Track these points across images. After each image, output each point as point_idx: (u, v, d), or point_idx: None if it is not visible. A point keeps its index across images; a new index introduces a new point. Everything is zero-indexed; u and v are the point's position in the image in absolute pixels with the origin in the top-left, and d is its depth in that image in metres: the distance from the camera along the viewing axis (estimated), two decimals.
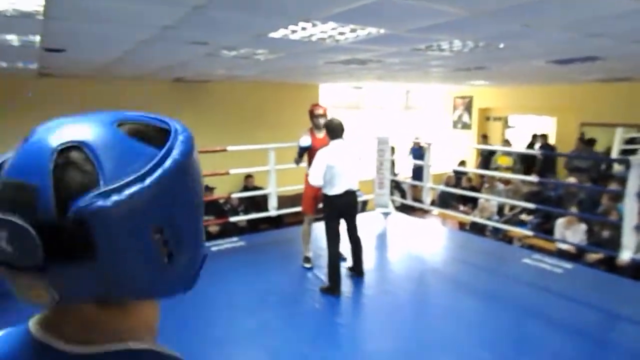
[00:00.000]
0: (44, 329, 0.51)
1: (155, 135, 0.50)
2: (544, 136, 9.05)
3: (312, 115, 4.43)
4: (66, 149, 0.45)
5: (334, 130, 3.89)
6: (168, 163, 0.48)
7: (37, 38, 3.10)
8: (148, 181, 0.46)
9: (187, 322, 3.14)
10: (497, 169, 9.18)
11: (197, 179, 0.53)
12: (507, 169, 9.08)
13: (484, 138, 10.06)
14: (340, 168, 3.81)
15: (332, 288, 3.81)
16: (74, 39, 3.24)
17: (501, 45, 3.60)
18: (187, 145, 0.51)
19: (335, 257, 3.84)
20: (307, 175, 4.48)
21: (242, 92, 7.99)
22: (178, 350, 0.57)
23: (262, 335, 3.20)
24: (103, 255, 0.44)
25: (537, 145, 9.12)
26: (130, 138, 0.49)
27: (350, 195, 3.91)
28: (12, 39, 3.11)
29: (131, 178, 0.45)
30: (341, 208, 3.88)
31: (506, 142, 10.07)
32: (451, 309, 3.66)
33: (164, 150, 0.49)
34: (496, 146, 9.21)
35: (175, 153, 0.49)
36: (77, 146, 0.46)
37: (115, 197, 0.44)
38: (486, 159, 9.80)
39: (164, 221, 0.48)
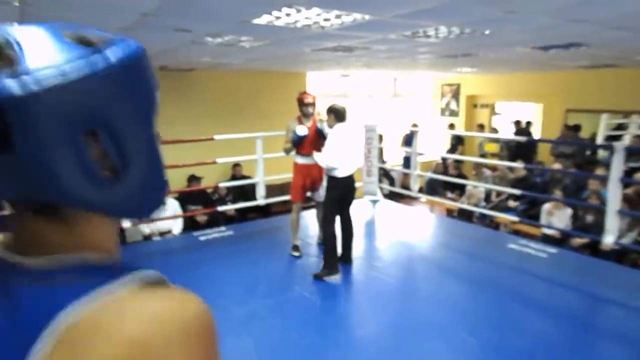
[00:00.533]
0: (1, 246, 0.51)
1: (98, 43, 0.47)
2: (518, 122, 9.39)
3: (301, 104, 4.39)
4: None
5: (339, 114, 3.98)
6: (99, 61, 0.46)
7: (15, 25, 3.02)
8: (72, 76, 0.44)
9: None
10: (483, 155, 9.29)
11: (142, 91, 0.50)
12: (494, 156, 9.20)
13: (481, 127, 9.98)
14: (347, 151, 3.94)
15: (330, 268, 3.87)
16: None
17: (487, 32, 3.60)
18: (129, 50, 0.48)
19: (332, 238, 3.92)
20: (295, 163, 4.46)
21: (229, 80, 7.90)
22: None
23: (251, 324, 3.20)
24: (21, 146, 0.43)
25: (513, 131, 9.32)
26: (66, 39, 0.46)
27: (352, 179, 4.06)
28: None
29: (52, 71, 0.43)
30: (344, 191, 4.01)
31: (493, 130, 10.16)
32: (438, 295, 3.70)
33: (94, 50, 0.46)
34: (475, 133, 9.30)
35: (110, 54, 0.47)
36: (7, 39, 0.45)
37: (31, 86, 0.42)
38: (454, 147, 10.04)
39: (97, 124, 0.46)
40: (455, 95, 10.90)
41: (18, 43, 0.44)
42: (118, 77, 0.47)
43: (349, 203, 4.11)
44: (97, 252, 0.50)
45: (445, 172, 8.03)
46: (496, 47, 4.58)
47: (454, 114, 10.98)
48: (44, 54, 0.44)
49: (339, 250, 4.13)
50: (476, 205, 6.91)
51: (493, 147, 9.53)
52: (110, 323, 0.43)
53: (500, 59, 6.00)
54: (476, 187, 7.15)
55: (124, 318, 0.43)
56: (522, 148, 8.73)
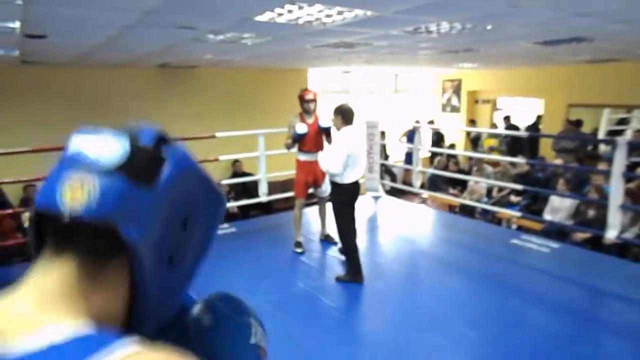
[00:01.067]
0: None
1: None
2: (508, 118, 9.66)
3: (303, 100, 4.39)
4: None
5: (347, 116, 3.73)
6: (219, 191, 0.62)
7: (17, 24, 3.03)
8: (191, 171, 0.58)
9: None
10: (487, 150, 9.31)
11: (218, 222, 0.66)
12: (492, 150, 9.24)
13: (472, 122, 10.14)
14: (356, 155, 3.72)
15: (354, 274, 3.75)
16: (54, 24, 3.17)
17: (489, 27, 3.59)
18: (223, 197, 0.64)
19: (351, 243, 3.75)
20: (298, 160, 4.47)
21: (230, 77, 7.90)
22: None
23: None
24: (155, 188, 0.52)
25: (503, 127, 9.55)
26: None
27: (357, 185, 3.81)
28: None
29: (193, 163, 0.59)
30: (351, 197, 3.77)
31: (493, 125, 10.20)
32: (441, 290, 3.71)
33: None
34: (482, 128, 9.38)
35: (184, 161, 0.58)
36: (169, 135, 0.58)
37: (183, 162, 0.56)
38: (474, 142, 10.00)
39: (190, 214, 0.57)
40: (457, 91, 10.88)
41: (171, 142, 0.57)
42: (217, 199, 0.63)
43: (354, 208, 3.90)
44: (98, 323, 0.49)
45: (446, 168, 8.04)
46: (498, 42, 4.58)
47: (455, 109, 10.97)
48: (184, 151, 0.58)
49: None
50: (478, 200, 6.91)
51: (492, 142, 9.61)
52: None
53: (502, 54, 5.99)
54: (478, 183, 7.15)
55: None
56: (518, 143, 8.83)
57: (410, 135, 9.16)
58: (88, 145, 0.52)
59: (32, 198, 5.47)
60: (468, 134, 10.23)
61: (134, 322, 0.54)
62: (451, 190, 7.89)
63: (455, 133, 10.49)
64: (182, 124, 7.05)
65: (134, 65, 6.69)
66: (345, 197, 3.75)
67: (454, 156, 8.76)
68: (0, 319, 0.45)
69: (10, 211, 5.06)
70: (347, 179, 3.71)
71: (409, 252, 4.63)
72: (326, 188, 4.62)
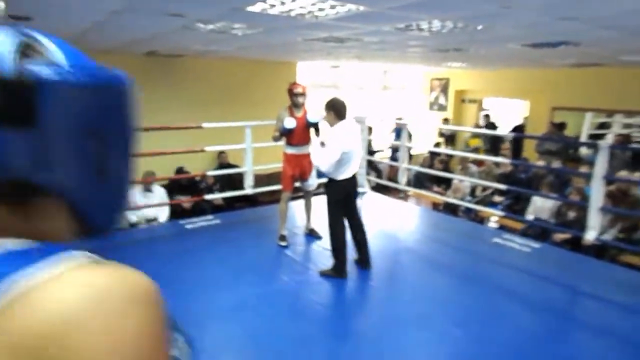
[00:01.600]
0: None
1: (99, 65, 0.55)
2: (487, 116, 10.10)
3: (292, 94, 4.36)
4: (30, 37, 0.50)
5: (340, 110, 3.60)
6: (112, 78, 0.53)
7: (2, 4, 2.94)
8: (90, 80, 0.50)
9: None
10: (472, 150, 9.42)
11: (130, 114, 0.57)
12: (475, 150, 9.39)
13: (446, 121, 10.39)
14: (352, 151, 3.64)
15: (338, 270, 3.73)
16: (39, 6, 3.09)
17: (479, 27, 3.62)
18: (123, 76, 0.55)
19: (339, 240, 3.71)
20: (285, 153, 4.45)
21: (219, 68, 7.82)
22: None
23: (239, 313, 3.21)
24: (40, 126, 0.46)
25: (482, 124, 9.96)
26: (75, 49, 0.53)
27: (354, 179, 3.78)
28: None
29: (76, 70, 0.49)
30: (347, 192, 3.72)
31: (476, 125, 10.31)
32: (424, 287, 3.75)
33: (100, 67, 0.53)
34: (465, 127, 9.57)
35: (117, 74, 0.54)
36: (34, 36, 0.50)
37: (64, 76, 0.47)
38: (449, 140, 10.39)
39: (97, 129, 0.51)
40: (444, 90, 10.97)
41: (41, 42, 0.50)
42: (117, 94, 0.54)
43: (354, 205, 3.88)
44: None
45: (431, 166, 8.10)
46: (488, 42, 4.62)
47: (442, 108, 11.06)
48: (64, 56, 0.50)
49: (356, 255, 3.96)
50: (462, 199, 6.99)
51: (476, 142, 9.76)
52: (45, 290, 0.40)
53: (491, 55, 6.05)
54: (462, 182, 7.23)
55: (59, 286, 0.41)
56: (498, 141, 9.51)
57: (397, 132, 9.22)
58: None
59: None
60: (442, 133, 10.44)
61: (90, 234, 0.56)
62: (435, 188, 7.97)
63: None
64: (169, 113, 6.98)
65: (121, 52, 6.57)
66: (338, 193, 3.70)
67: (439, 154, 8.83)
68: None
69: None
70: (341, 175, 3.65)
71: (394, 249, 4.66)
72: (312, 182, 4.62)
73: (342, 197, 3.72)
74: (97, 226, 0.56)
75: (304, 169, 4.44)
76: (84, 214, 0.54)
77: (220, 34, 4.31)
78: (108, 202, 0.57)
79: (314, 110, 4.41)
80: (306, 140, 4.42)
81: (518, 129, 9.79)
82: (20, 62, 0.46)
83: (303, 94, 4.36)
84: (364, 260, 3.95)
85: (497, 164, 7.33)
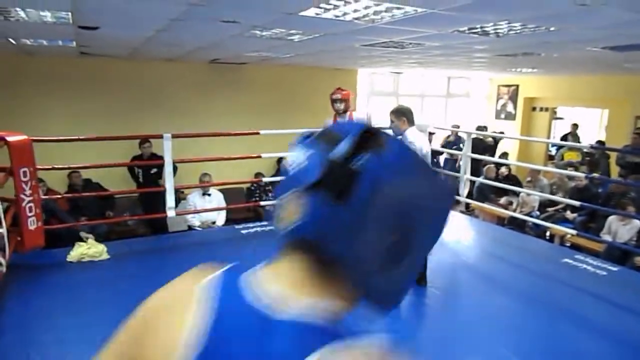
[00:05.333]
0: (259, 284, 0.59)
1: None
2: (575, 125, 8.94)
3: (330, 100, 4.26)
4: (371, 131, 0.56)
5: (410, 116, 3.60)
6: (437, 182, 0.60)
7: (69, 15, 3.10)
8: (406, 181, 0.55)
9: None
10: (567, 165, 8.22)
11: (442, 222, 0.64)
12: (570, 166, 8.19)
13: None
14: (428, 154, 3.68)
15: (418, 278, 3.64)
16: (104, 16, 3.22)
17: (552, 28, 3.32)
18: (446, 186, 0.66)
19: None
20: None
21: (279, 75, 7.89)
22: None
23: None
24: (351, 204, 0.52)
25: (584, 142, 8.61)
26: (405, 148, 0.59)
27: None
28: (46, 15, 3.12)
29: (401, 168, 0.55)
30: None
31: (574, 137, 9.17)
32: (482, 307, 3.48)
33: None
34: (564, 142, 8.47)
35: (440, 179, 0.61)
36: (379, 131, 0.57)
37: (388, 174, 0.53)
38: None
39: (401, 228, 0.55)
40: (513, 97, 10.36)
41: (378, 136, 0.56)
42: (432, 196, 0.60)
43: None
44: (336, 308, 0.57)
45: (497, 178, 7.63)
46: (562, 45, 4.25)
47: (510, 116, 10.44)
48: (394, 153, 0.55)
49: None
50: (529, 214, 6.51)
51: (573, 156, 8.69)
52: None
53: (566, 60, 5.60)
54: (529, 195, 6.74)
55: None
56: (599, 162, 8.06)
57: (455, 142, 8.79)
58: (294, 162, 0.58)
59: (75, 184, 5.60)
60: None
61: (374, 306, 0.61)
62: (500, 201, 7.50)
63: (508, 141, 9.95)
64: (229, 119, 7.16)
65: (186, 60, 6.81)
66: None
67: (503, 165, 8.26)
68: (265, 296, 0.57)
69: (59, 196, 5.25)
70: None
71: (452, 265, 4.39)
72: None
73: None
74: (375, 303, 0.60)
75: None
76: (364, 290, 0.58)
77: (277, 41, 4.31)
78: (390, 287, 0.60)
79: (360, 116, 4.28)
80: None
81: (602, 143, 8.70)
82: (355, 150, 0.53)
83: (342, 100, 4.24)
84: (419, 277, 3.75)
85: (570, 177, 6.74)
